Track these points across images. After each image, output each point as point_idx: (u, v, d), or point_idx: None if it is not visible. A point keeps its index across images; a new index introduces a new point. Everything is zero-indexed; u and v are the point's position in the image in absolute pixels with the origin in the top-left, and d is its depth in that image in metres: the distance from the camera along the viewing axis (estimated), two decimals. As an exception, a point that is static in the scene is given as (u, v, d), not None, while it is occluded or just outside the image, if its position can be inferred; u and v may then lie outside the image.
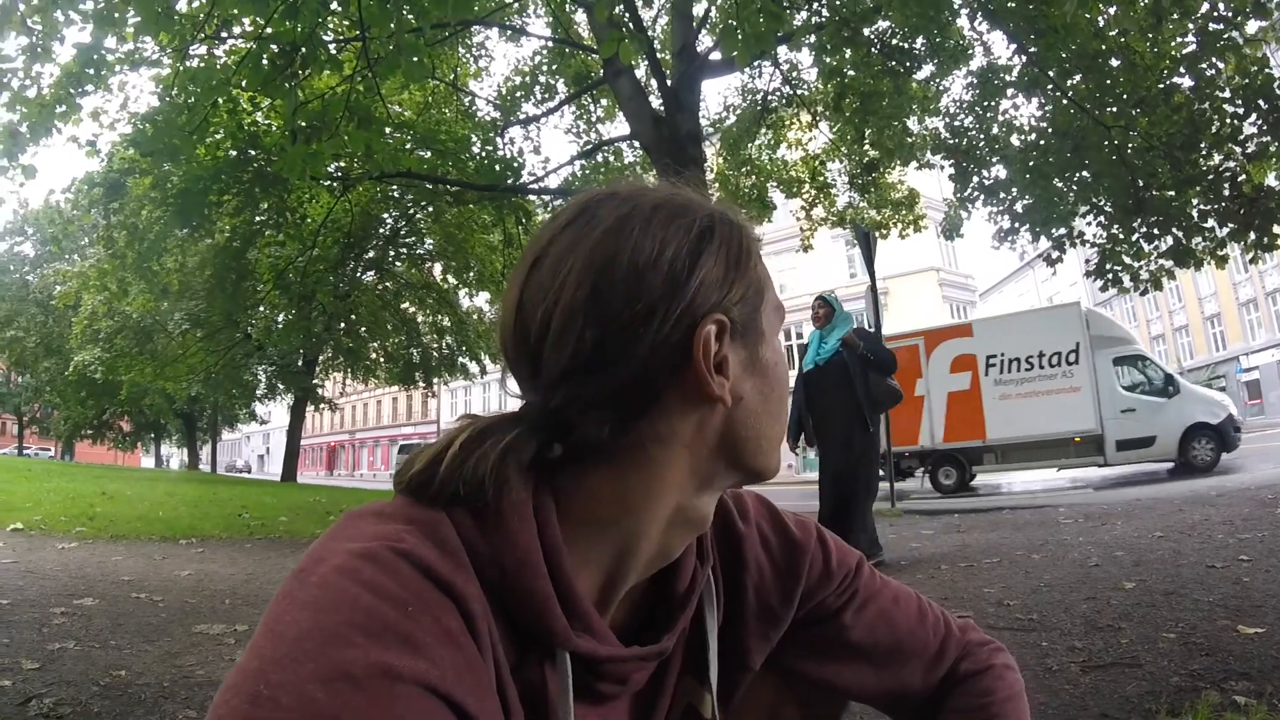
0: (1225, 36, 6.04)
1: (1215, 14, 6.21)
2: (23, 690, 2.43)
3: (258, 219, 11.92)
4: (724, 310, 0.59)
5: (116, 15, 5.21)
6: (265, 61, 4.74)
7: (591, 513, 0.58)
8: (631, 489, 0.58)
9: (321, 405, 27.96)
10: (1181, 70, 6.68)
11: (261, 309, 15.74)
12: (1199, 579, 3.67)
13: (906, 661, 0.80)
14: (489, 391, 46.16)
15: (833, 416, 5.22)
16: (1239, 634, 2.73)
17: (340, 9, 5.33)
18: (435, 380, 23.36)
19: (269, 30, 4.64)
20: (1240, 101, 6.49)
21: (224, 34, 6.53)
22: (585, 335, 0.56)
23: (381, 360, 23.27)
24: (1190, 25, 6.43)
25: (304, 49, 4.71)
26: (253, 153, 9.90)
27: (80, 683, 2.57)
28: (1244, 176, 6.74)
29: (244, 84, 5.37)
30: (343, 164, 10.06)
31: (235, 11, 5.07)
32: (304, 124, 5.46)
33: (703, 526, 0.65)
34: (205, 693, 2.55)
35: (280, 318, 16.80)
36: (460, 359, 22.37)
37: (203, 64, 6.12)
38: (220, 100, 5.72)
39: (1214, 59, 6.21)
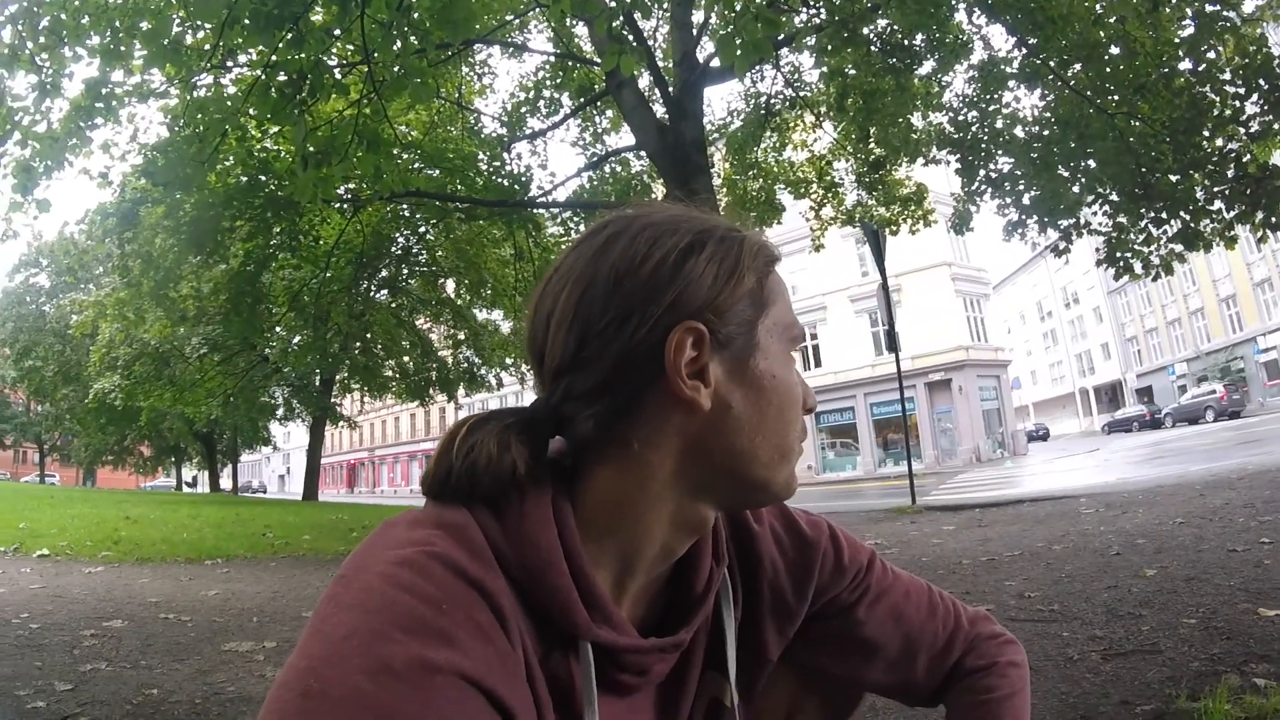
0: (1223, 18, 6.01)
1: (1212, -4, 6.19)
2: (57, 711, 2.49)
3: (271, 243, 11.99)
4: (704, 319, 0.61)
5: (123, 49, 5.32)
6: (273, 90, 4.83)
7: (598, 513, 0.63)
8: (627, 489, 0.62)
9: (341, 423, 28.15)
10: (1181, 54, 6.64)
11: (278, 331, 15.88)
12: (1220, 563, 3.66)
13: (916, 655, 0.83)
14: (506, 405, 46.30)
15: None
16: (1260, 617, 2.73)
17: (344, 35, 5.40)
18: (454, 395, 23.32)
19: (275, 59, 4.72)
20: (1241, 82, 6.45)
21: (230, 64, 6.64)
22: (571, 336, 0.62)
23: (397, 377, 23.38)
24: (1188, 9, 6.40)
25: (310, 76, 4.80)
26: (264, 178, 9.99)
27: (113, 702, 2.62)
28: (1248, 157, 6.70)
29: (252, 112, 5.46)
30: (353, 186, 10.15)
31: (241, 42, 5.15)
32: (314, 149, 5.53)
33: (701, 531, 0.68)
34: (237, 708, 2.60)
35: (296, 339, 16.95)
36: (479, 372, 22.35)
37: (210, 94, 6.21)
38: (229, 129, 5.80)
39: (1213, 41, 6.17)
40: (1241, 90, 6.49)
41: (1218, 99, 6.62)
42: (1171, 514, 5.47)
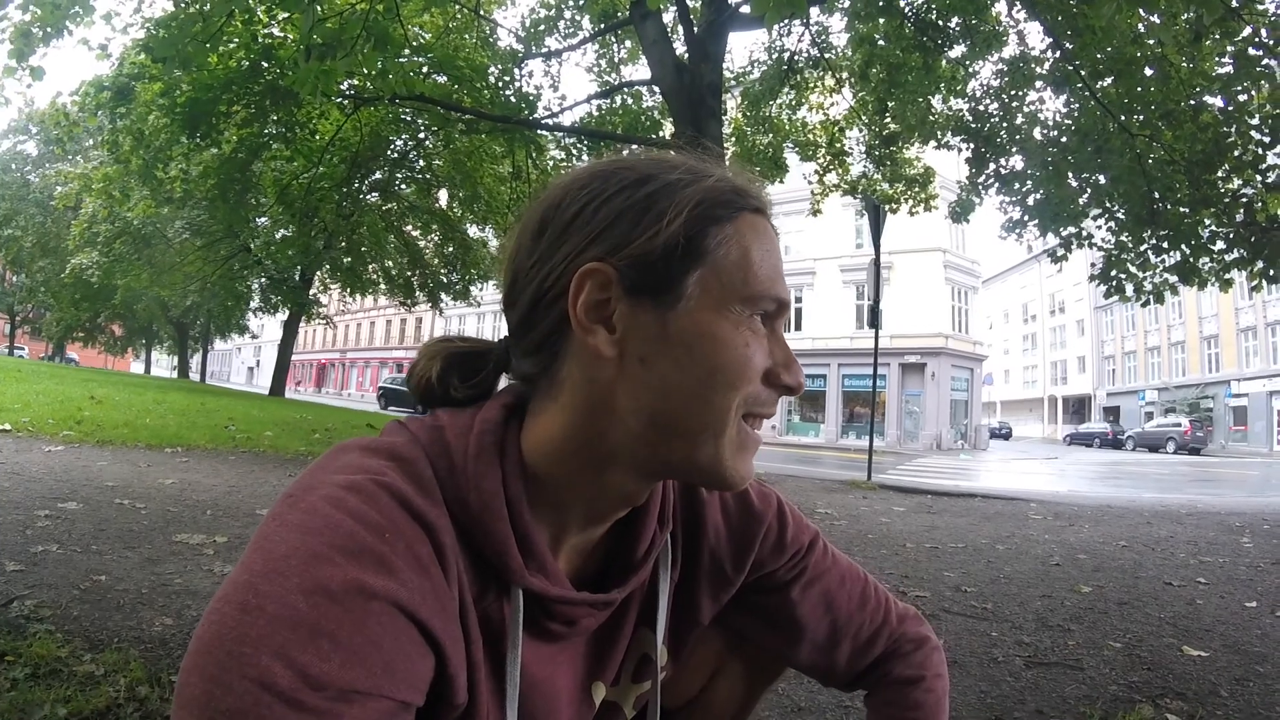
0: (1262, 64, 5.94)
1: (1256, 40, 6.09)
2: (5, 591, 2.48)
3: (266, 132, 11.70)
4: (610, 261, 0.59)
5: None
6: (286, -25, 4.63)
7: (537, 458, 0.63)
8: (556, 436, 0.62)
9: (318, 320, 27.88)
10: (1214, 90, 6.57)
11: (263, 222, 15.58)
12: (1154, 594, 3.75)
13: (840, 643, 0.86)
14: (483, 322, 46.02)
15: None
16: (1182, 654, 2.80)
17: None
18: (440, 302, 22.98)
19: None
20: (1267, 130, 6.41)
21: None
22: (508, 276, 0.65)
23: (381, 282, 23.16)
24: (1229, 47, 6.30)
25: (326, -35, 4.59)
26: (265, 65, 9.69)
27: (61, 586, 2.63)
28: (1260, 205, 6.71)
29: (262, -4, 5.23)
30: (356, 83, 9.87)
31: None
32: (320, 41, 5.33)
33: (661, 475, 0.65)
34: (182, 600, 2.61)
35: (281, 232, 16.66)
36: (466, 283, 21.95)
37: (222, -29, 5.94)
38: (236, 10, 5.55)
39: (1248, 84, 6.10)
40: (1266, 139, 6.45)
41: (1241, 142, 6.59)
42: (1116, 535, 5.61)
